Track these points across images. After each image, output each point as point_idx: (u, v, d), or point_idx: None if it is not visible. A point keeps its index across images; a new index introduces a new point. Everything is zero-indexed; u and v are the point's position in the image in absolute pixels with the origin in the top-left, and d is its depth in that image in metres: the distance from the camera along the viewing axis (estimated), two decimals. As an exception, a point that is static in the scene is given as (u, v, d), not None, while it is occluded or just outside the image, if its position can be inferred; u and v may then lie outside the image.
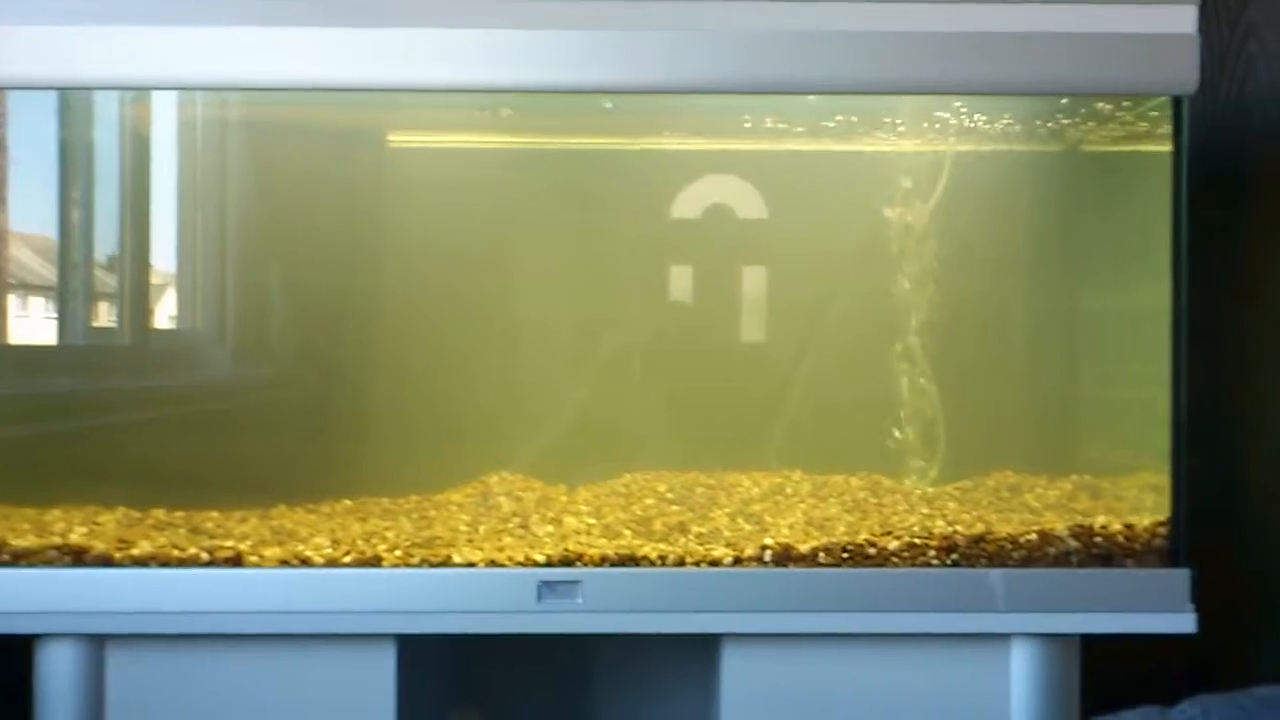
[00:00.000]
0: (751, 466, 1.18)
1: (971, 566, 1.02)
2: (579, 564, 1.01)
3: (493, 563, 1.01)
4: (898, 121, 1.18)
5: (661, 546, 1.03)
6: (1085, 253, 1.22)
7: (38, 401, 1.15)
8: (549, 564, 1.01)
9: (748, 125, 1.19)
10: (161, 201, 1.22)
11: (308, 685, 1.00)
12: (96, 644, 0.99)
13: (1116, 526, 1.04)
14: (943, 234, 1.19)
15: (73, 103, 1.17)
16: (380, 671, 1.01)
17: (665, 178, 1.20)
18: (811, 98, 1.13)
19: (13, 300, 1.17)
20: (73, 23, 0.98)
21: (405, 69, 0.99)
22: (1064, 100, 1.14)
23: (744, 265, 1.20)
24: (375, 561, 1.01)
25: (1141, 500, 1.08)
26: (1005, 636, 1.01)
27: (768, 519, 1.10)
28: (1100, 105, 1.14)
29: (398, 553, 1.02)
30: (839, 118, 1.17)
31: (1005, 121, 1.18)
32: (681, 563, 1.02)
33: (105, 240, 1.22)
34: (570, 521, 1.09)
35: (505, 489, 1.15)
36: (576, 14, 0.99)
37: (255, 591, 0.99)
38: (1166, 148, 1.03)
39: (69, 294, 1.18)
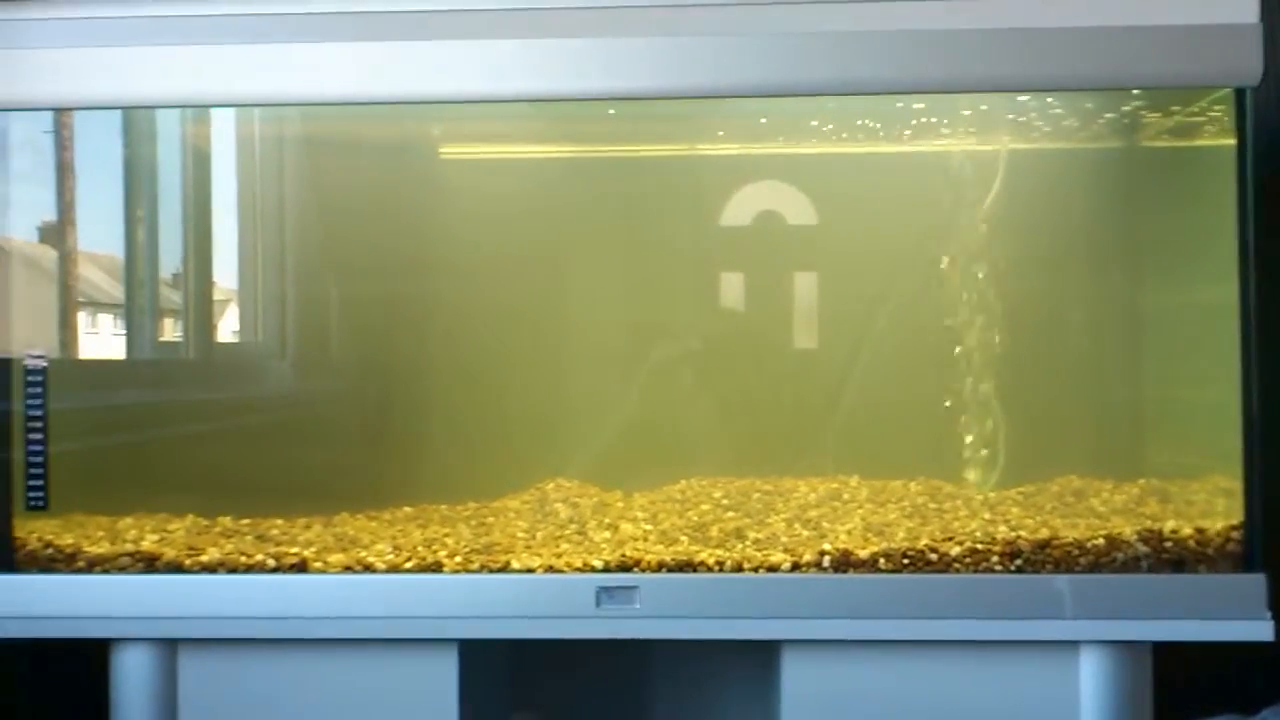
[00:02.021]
0: (808, 472, 1.17)
1: (1036, 572, 1.00)
2: (636, 570, 1.01)
3: (551, 568, 1.02)
4: (954, 120, 1.16)
5: (718, 552, 1.03)
6: (1150, 250, 1.19)
7: (109, 414, 1.18)
8: (606, 569, 1.01)
9: (798, 130, 1.18)
10: (223, 218, 1.25)
11: (372, 689, 1.02)
12: (169, 648, 1.02)
13: (1187, 531, 1.02)
14: (1002, 234, 1.17)
15: (136, 123, 1.20)
16: (443, 675, 1.01)
17: (718, 184, 1.20)
18: (865, 99, 1.13)
19: (82, 317, 1.21)
20: (134, 44, 1.01)
21: (458, 81, 1.00)
22: (1125, 95, 1.12)
23: (799, 270, 1.20)
24: (436, 567, 1.02)
25: (1213, 504, 1.05)
26: (1074, 644, 0.99)
27: (825, 525, 1.09)
28: (1162, 99, 1.11)
29: (458, 559, 1.03)
30: (893, 119, 1.16)
31: (1064, 118, 1.16)
32: (739, 569, 1.01)
33: (170, 257, 1.25)
34: (627, 527, 1.09)
35: (562, 495, 1.16)
36: (623, 22, 0.99)
37: (320, 597, 1.01)
38: (1231, 141, 1.00)
39: (136, 310, 1.22)
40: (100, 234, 1.22)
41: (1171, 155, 1.17)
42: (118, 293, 1.21)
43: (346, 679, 1.02)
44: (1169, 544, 1.01)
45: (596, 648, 1.02)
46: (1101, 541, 1.01)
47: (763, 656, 1.03)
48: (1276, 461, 1.03)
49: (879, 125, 1.17)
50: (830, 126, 1.17)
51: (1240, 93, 0.99)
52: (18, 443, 1.05)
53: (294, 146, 1.25)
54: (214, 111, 1.21)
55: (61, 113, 1.14)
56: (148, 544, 1.06)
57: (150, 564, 1.04)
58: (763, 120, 1.17)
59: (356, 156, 1.22)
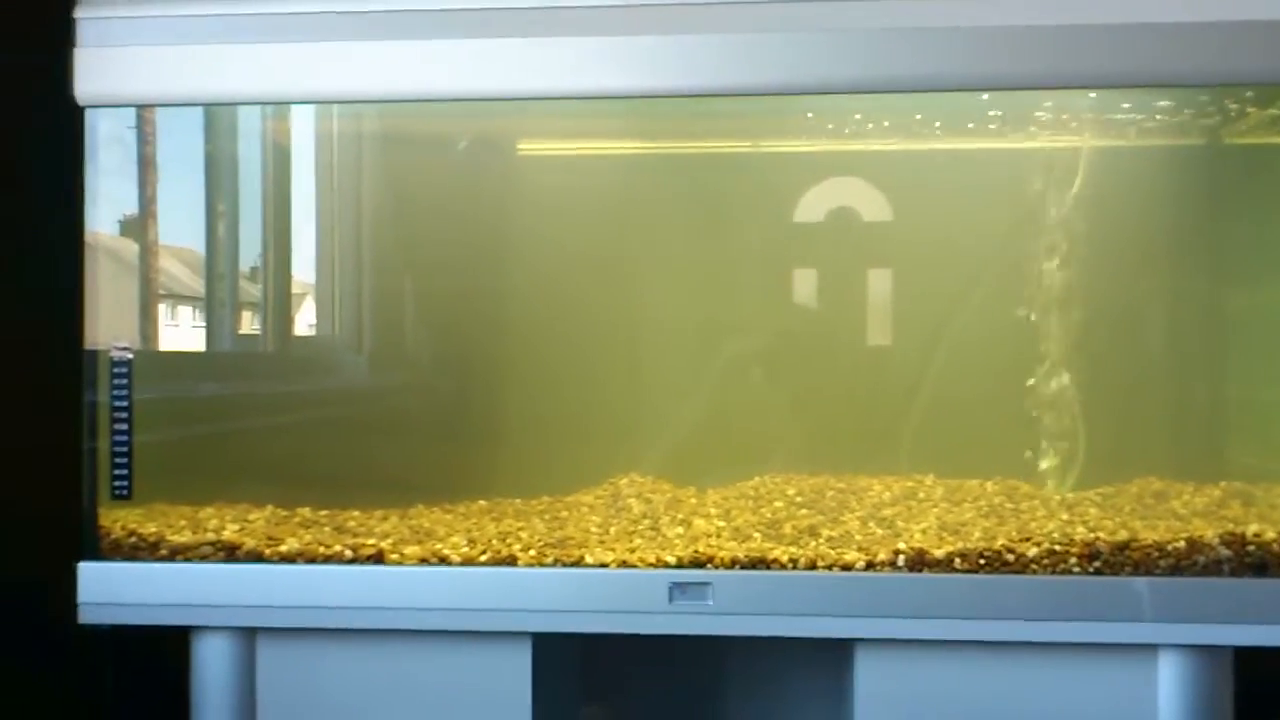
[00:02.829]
0: (882, 471, 1.17)
1: (1115, 575, 0.99)
2: (709, 566, 1.01)
3: (624, 563, 1.02)
4: (1035, 117, 1.15)
5: (792, 550, 1.03)
6: (1233, 249, 1.17)
7: (189, 406, 1.20)
8: (679, 565, 1.02)
9: (875, 126, 1.17)
10: (301, 213, 1.27)
11: (446, 680, 1.03)
12: (248, 636, 1.04)
13: (1270, 534, 1.00)
14: (1083, 232, 1.16)
15: (216, 120, 1.22)
16: (516, 668, 1.02)
17: (792, 179, 1.20)
18: (942, 96, 1.11)
19: (163, 310, 1.23)
20: (216, 42, 1.03)
21: (532, 78, 1.01)
22: (1209, 90, 1.10)
23: (874, 267, 1.19)
24: (510, 561, 1.03)
25: (1297, 508, 1.03)
26: (1153, 647, 0.97)
27: (900, 524, 1.08)
28: (1249, 96, 1.09)
29: (532, 552, 1.04)
30: (974, 116, 1.15)
31: (1149, 116, 1.15)
32: (813, 566, 1.01)
33: (249, 251, 1.27)
34: (700, 524, 1.09)
35: (635, 491, 1.16)
36: (699, 18, 0.99)
37: (397, 588, 1.02)
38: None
39: (216, 303, 1.24)
40: (181, 228, 1.24)
41: (1256, 152, 1.15)
42: (198, 286, 1.23)
43: (421, 670, 1.03)
44: (1251, 547, 0.99)
45: (668, 643, 1.02)
46: (1182, 544, 1.00)
47: (836, 655, 1.03)
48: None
49: (958, 121, 1.16)
50: (907, 121, 1.16)
51: (1332, 89, 0.98)
52: (103, 432, 1.07)
53: (372, 142, 1.26)
54: (293, 108, 1.23)
55: (144, 110, 1.16)
56: (228, 533, 1.08)
57: (231, 553, 1.06)
58: (837, 117, 1.16)
59: (434, 152, 1.24)
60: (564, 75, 1.01)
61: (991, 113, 1.14)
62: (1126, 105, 1.14)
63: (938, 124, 1.16)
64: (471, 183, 1.25)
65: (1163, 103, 1.13)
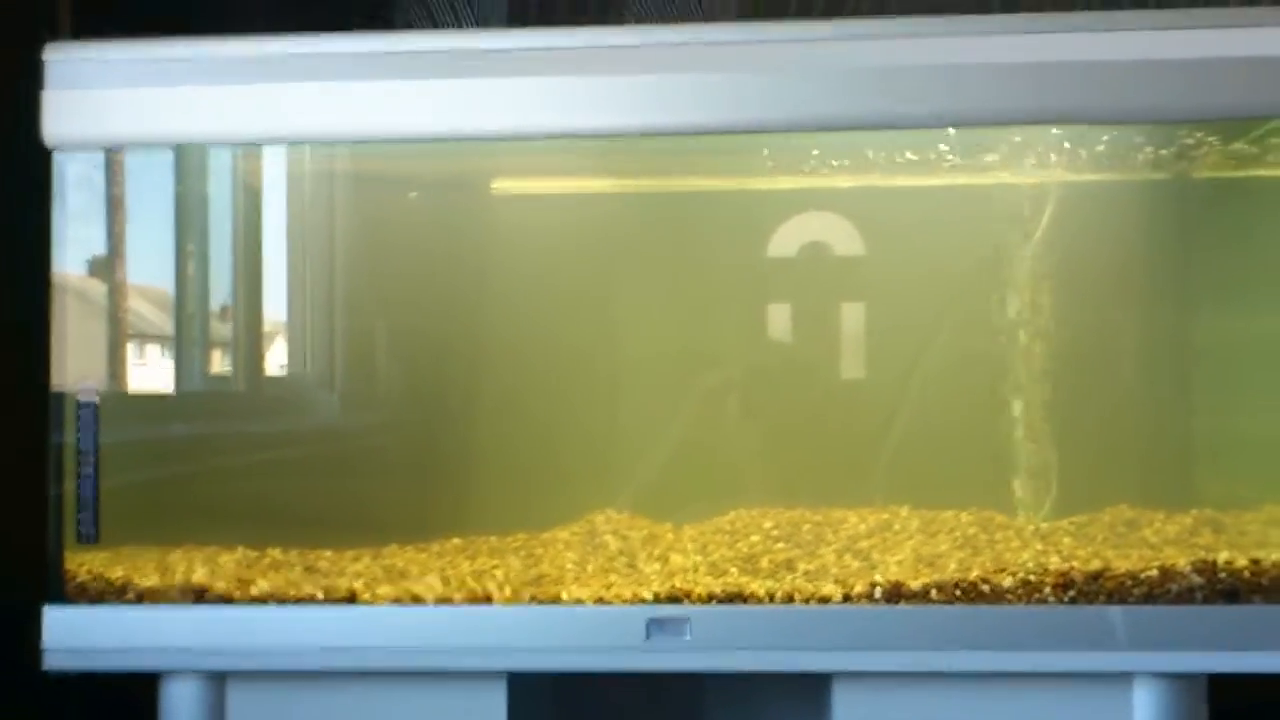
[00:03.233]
0: (857, 503, 1.17)
1: (1090, 603, 1.00)
2: (686, 601, 1.01)
3: (601, 600, 1.02)
4: (1004, 151, 1.17)
5: (769, 584, 1.03)
6: (1203, 280, 1.19)
7: (158, 447, 1.19)
8: (656, 601, 1.01)
9: (847, 162, 1.19)
10: (272, 252, 1.26)
11: (421, 722, 1.01)
12: (218, 680, 1.02)
13: (1242, 561, 1.01)
14: (1053, 263, 1.17)
15: (186, 159, 1.22)
16: (491, 708, 1.01)
17: (764, 216, 1.21)
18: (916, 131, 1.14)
19: (131, 350, 1.22)
20: (185, 83, 1.03)
21: (505, 117, 1.02)
22: (1177, 128, 1.13)
23: (847, 301, 1.20)
24: (485, 599, 1.02)
25: (1268, 534, 1.04)
26: (1128, 675, 0.98)
27: (876, 556, 1.08)
28: (1218, 129, 1.12)
29: (507, 590, 1.03)
30: (946, 151, 1.17)
31: (1115, 148, 1.17)
32: (790, 600, 1.01)
33: (219, 291, 1.26)
34: (676, 559, 1.09)
35: (611, 527, 1.16)
36: (671, 58, 1.01)
37: (369, 629, 1.01)
38: (1281, 171, 1.01)
39: (185, 343, 1.23)
40: (151, 268, 1.24)
41: (1224, 185, 1.18)
42: (168, 326, 1.22)
43: (395, 710, 1.02)
44: (1223, 574, 1.00)
45: (646, 680, 1.01)
46: (1155, 572, 1.01)
47: (814, 689, 1.03)
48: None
49: (930, 157, 1.18)
50: (880, 159, 1.18)
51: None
52: (69, 475, 1.06)
53: (344, 182, 1.26)
54: (264, 148, 1.23)
55: (113, 151, 1.15)
56: (197, 576, 1.06)
57: (200, 596, 1.04)
58: (810, 153, 1.18)
59: (406, 192, 1.24)
60: (536, 114, 1.02)
61: (960, 148, 1.16)
62: (1086, 141, 1.16)
63: (909, 159, 1.18)
64: (444, 222, 1.25)
65: (1132, 138, 1.15)
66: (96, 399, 1.07)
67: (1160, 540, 1.08)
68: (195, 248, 1.24)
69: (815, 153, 1.16)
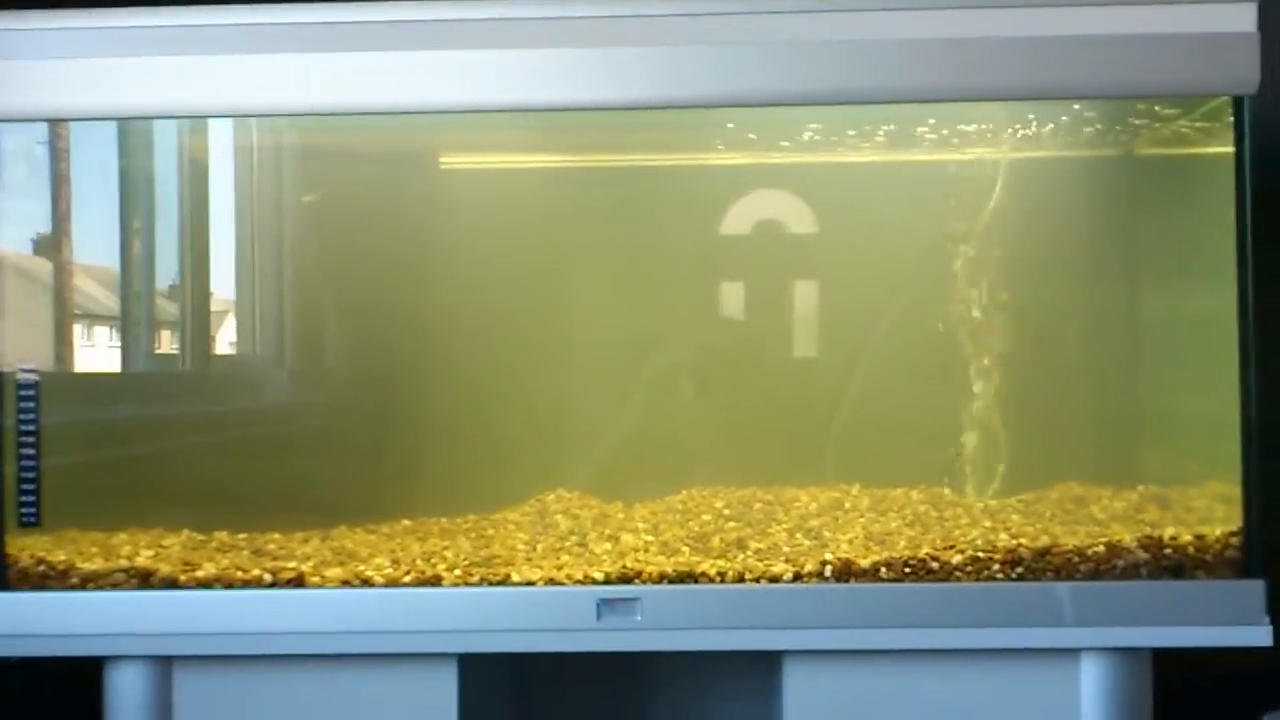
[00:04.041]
0: (809, 482, 1.17)
1: (1037, 580, 1.00)
2: (637, 581, 1.01)
3: (551, 581, 1.01)
4: (951, 130, 1.17)
5: (720, 563, 1.03)
6: (1149, 259, 1.19)
7: (104, 428, 1.17)
8: (607, 581, 1.01)
9: (799, 138, 1.18)
10: (219, 229, 1.24)
11: (371, 704, 1.01)
12: (164, 665, 1.01)
13: (1187, 537, 1.02)
14: (1001, 242, 1.18)
15: (131, 134, 1.20)
16: (442, 690, 1.01)
17: (717, 193, 1.20)
18: (861, 108, 1.13)
19: (78, 330, 1.20)
20: (130, 54, 1.00)
21: (454, 91, 1.00)
22: (1123, 103, 1.13)
23: (799, 279, 1.20)
24: (435, 581, 1.02)
25: (1212, 510, 1.05)
26: (1075, 651, 0.99)
27: (827, 534, 1.09)
28: (1160, 107, 1.12)
29: (457, 572, 1.02)
30: (889, 128, 1.17)
31: (1062, 127, 1.17)
32: (741, 579, 1.01)
33: (166, 269, 1.24)
34: (628, 539, 1.09)
35: (562, 507, 1.15)
36: (623, 31, 0.99)
37: (318, 612, 1.00)
38: (1229, 149, 1.01)
39: (132, 322, 1.20)
40: (96, 246, 1.21)
41: (1169, 163, 1.18)
42: (114, 305, 1.20)
43: (345, 694, 1.01)
44: (1168, 550, 1.01)
45: (598, 660, 1.01)
46: (1101, 548, 1.01)
47: (765, 667, 1.03)
48: (1274, 468, 1.04)
49: (878, 134, 1.17)
50: (830, 136, 1.18)
51: (1238, 101, 1.00)
52: (9, 457, 1.04)
53: (292, 157, 1.24)
54: (211, 122, 1.20)
55: (56, 124, 1.12)
56: (142, 560, 1.04)
57: (145, 580, 1.03)
58: (762, 129, 1.17)
59: (355, 166, 1.22)
60: (487, 89, 1.00)
61: (910, 124, 1.16)
62: (1037, 116, 1.16)
63: (863, 137, 1.18)
64: (393, 197, 1.24)
65: (1080, 114, 1.15)
66: (37, 379, 1.05)
67: (1107, 517, 1.09)
68: (141, 224, 1.22)
69: (763, 129, 1.15)
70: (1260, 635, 0.97)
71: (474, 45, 0.99)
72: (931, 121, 1.15)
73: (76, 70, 1.01)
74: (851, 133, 1.17)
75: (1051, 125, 1.17)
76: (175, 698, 1.01)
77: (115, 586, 1.02)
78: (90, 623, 1.00)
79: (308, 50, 1.00)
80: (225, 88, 1.01)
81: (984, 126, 1.17)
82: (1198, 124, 1.10)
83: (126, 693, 1.01)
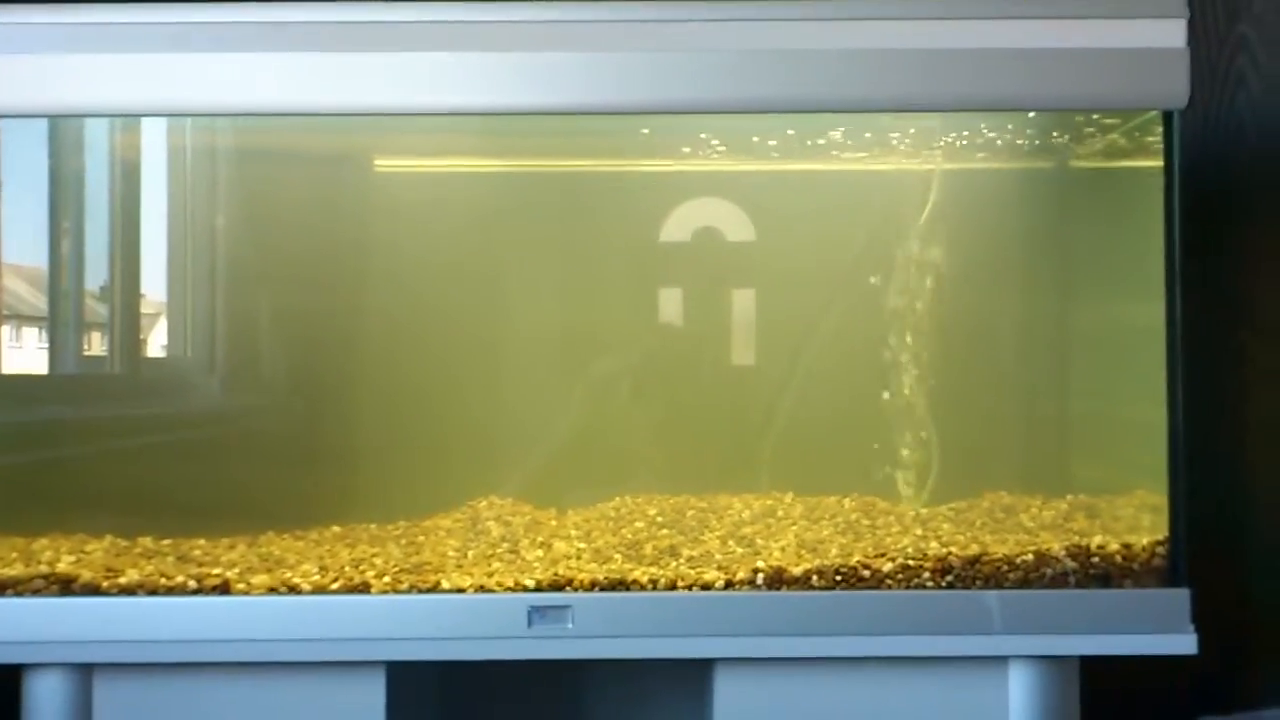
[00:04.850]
0: (742, 489, 1.17)
1: (967, 588, 1.01)
2: (569, 589, 1.00)
3: (482, 588, 1.00)
4: (883, 139, 1.18)
5: (652, 570, 1.02)
6: (1078, 270, 1.21)
7: (28, 430, 1.15)
8: (539, 589, 1.00)
9: (735, 146, 1.19)
10: (151, 230, 1.22)
11: (297, 713, 0.99)
12: (84, 673, 0.99)
13: (1114, 546, 1.03)
14: (932, 253, 1.19)
15: (63, 132, 1.17)
16: (370, 699, 0.99)
17: (653, 200, 1.20)
18: (797, 116, 1.13)
19: (6, 330, 1.17)
20: (61, 51, 0.98)
21: (390, 93, 0.99)
22: (1054, 116, 1.14)
23: (733, 288, 1.20)
24: (364, 588, 1.00)
25: (1139, 520, 1.07)
26: (1003, 659, 0.99)
27: (759, 542, 1.09)
28: (1090, 120, 1.13)
29: (386, 579, 1.01)
30: (825, 137, 1.17)
31: (994, 138, 1.18)
32: (673, 586, 1.01)
33: (96, 269, 1.22)
34: (560, 546, 1.08)
35: (494, 514, 1.14)
36: (563, 36, 0.99)
37: (243, 619, 0.98)
38: (1158, 163, 1.02)
39: (60, 323, 1.18)
40: (25, 245, 1.19)
41: (1100, 175, 1.19)
42: (42, 305, 1.18)
43: (270, 703, 0.99)
44: (1096, 559, 1.02)
45: (529, 668, 1.00)
46: (1030, 557, 1.02)
47: (696, 675, 1.03)
48: (1200, 478, 1.05)
49: (812, 142, 1.18)
50: (767, 143, 1.18)
51: (1168, 116, 1.01)
52: (-72, 460, 1.02)
53: (225, 157, 1.23)
54: (143, 121, 1.18)
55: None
56: (63, 565, 1.02)
57: (66, 586, 1.01)
58: (700, 136, 1.17)
59: (289, 168, 1.20)
60: (422, 91, 0.99)
61: (845, 133, 1.16)
62: (975, 129, 1.17)
63: (798, 145, 1.18)
64: (325, 200, 1.22)
65: (1012, 125, 1.16)
66: (-43, 382, 1.03)
67: (1036, 525, 1.10)
68: (71, 223, 1.19)
69: (702, 135, 1.15)
70: (1185, 643, 0.98)
71: (411, 48, 0.98)
72: (871, 132, 1.16)
73: (5, 67, 0.99)
74: (778, 141, 1.18)
75: (985, 136, 1.18)
76: (96, 706, 0.99)
77: (35, 593, 1.00)
78: (9, 630, 0.98)
79: (242, 50, 0.98)
80: (159, 86, 0.99)
81: (914, 139, 1.18)
82: (1129, 137, 1.11)
83: (46, 701, 0.99)
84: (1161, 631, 0.99)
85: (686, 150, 1.19)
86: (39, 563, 1.03)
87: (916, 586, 1.01)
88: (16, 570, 1.01)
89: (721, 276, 1.19)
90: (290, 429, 1.21)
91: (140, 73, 0.99)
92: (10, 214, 1.17)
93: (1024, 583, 1.01)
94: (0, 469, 1.09)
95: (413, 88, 0.99)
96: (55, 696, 0.99)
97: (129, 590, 1.00)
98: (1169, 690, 1.15)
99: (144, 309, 1.22)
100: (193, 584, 1.00)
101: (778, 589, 1.01)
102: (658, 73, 0.98)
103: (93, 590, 1.00)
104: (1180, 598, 0.99)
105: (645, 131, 1.17)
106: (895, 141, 1.18)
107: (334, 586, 1.01)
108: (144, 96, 1.00)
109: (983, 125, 1.16)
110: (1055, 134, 1.17)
